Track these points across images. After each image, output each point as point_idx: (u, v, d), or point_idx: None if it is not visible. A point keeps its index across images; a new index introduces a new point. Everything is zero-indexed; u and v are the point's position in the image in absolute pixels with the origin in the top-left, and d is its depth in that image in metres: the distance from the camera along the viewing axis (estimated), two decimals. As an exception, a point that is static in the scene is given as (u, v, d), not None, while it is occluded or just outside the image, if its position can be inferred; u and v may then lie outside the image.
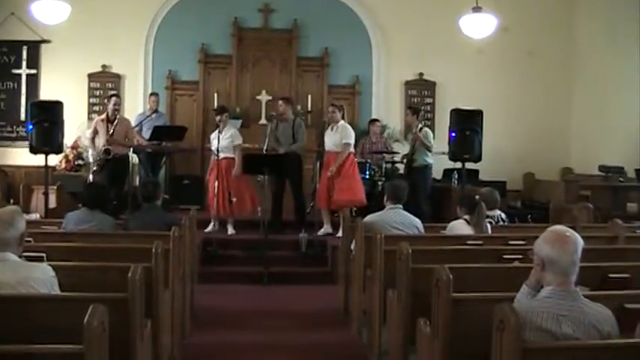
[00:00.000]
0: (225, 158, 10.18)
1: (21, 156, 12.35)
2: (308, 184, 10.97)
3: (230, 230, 10.32)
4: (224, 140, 10.20)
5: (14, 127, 13.53)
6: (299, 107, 13.52)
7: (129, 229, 6.72)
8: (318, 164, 10.43)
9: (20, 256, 4.01)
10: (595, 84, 13.53)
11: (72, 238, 5.99)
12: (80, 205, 6.93)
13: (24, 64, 13.56)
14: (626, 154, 12.07)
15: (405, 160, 11.30)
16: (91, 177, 10.41)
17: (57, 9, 11.40)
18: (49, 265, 4.11)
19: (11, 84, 13.59)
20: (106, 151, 10.22)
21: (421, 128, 10.92)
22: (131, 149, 10.70)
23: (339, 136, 10.10)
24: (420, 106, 12.50)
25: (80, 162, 12.68)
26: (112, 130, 10.31)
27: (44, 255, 4.85)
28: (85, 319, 2.90)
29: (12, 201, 11.36)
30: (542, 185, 13.36)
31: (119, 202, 10.10)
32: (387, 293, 5.48)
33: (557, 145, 14.17)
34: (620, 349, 3.13)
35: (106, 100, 11.50)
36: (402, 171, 11.89)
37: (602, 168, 11.74)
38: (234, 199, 10.10)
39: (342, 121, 10.27)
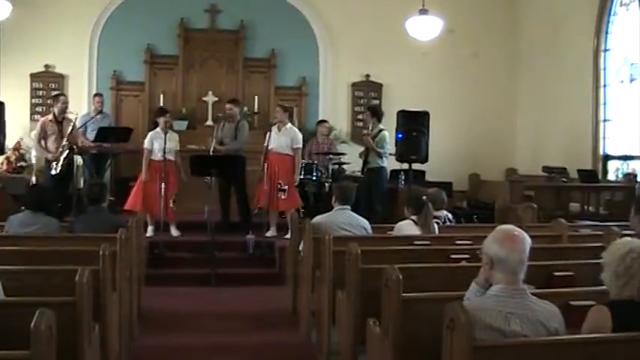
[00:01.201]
0: (169, 160, 10.05)
1: (-41, 158, 12.08)
2: (254, 186, 10.90)
3: (174, 232, 10.22)
4: (170, 142, 10.06)
5: (-48, 128, 13.21)
6: (245, 108, 13.48)
7: (74, 231, 6.61)
8: (264, 166, 10.37)
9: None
10: (538, 85, 13.80)
11: (15, 242, 5.86)
12: (23, 207, 6.78)
13: (-39, 62, 13.27)
14: (569, 155, 12.34)
15: (362, 160, 11.30)
16: (34, 179, 10.18)
17: (-3, 8, 11.17)
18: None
19: (-52, 83, 13.27)
20: (71, 149, 10.04)
21: (380, 131, 10.87)
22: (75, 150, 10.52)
23: (287, 139, 10.08)
24: (382, 109, 12.27)
25: (23, 163, 12.44)
26: (70, 129, 10.09)
27: (-14, 259, 4.75)
28: (32, 324, 2.84)
29: (-49, 204, 11.12)
30: (487, 186, 13.56)
31: (64, 204, 9.93)
32: (336, 294, 5.49)
33: (501, 146, 14.41)
34: (567, 345, 3.19)
35: (50, 100, 11.27)
36: (348, 172, 11.96)
37: (545, 169, 11.97)
38: (175, 202, 10.00)
39: (289, 124, 10.26)
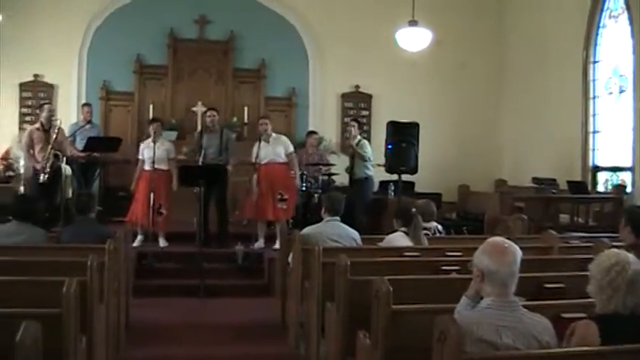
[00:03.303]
0: (159, 170, 10.03)
1: (-54, 167, 11.99)
2: (243, 197, 10.86)
3: (162, 243, 10.18)
4: (159, 151, 10.05)
5: (-60, 137, 13.14)
6: (235, 119, 13.47)
7: (62, 242, 6.56)
8: (254, 177, 10.32)
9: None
10: (526, 96, 13.83)
11: (1, 252, 5.81)
12: (10, 217, 6.72)
13: (-50, 72, 13.18)
14: (558, 166, 12.35)
15: (348, 172, 11.35)
16: (22, 189, 10.10)
17: (-14, 17, 11.12)
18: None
19: (-64, 93, 13.19)
20: (56, 156, 9.98)
21: (359, 140, 11.00)
22: (64, 160, 10.46)
23: (279, 147, 10.13)
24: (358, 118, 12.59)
25: (11, 173, 12.35)
26: (55, 137, 10.05)
27: (-28, 269, 4.70)
28: (18, 338, 2.81)
29: (-63, 214, 11.03)
30: (476, 197, 13.54)
31: (51, 214, 9.86)
32: (325, 305, 5.46)
33: (490, 157, 14.43)
34: (559, 358, 3.17)
35: (37, 110, 11.21)
36: (337, 183, 11.97)
37: (534, 180, 11.98)
38: (164, 212, 9.98)
39: (274, 134, 10.28)
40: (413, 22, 11.97)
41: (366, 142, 11.32)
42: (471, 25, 14.45)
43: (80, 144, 11.20)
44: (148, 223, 9.91)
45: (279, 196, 9.91)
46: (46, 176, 9.94)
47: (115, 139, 11.34)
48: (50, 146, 10.00)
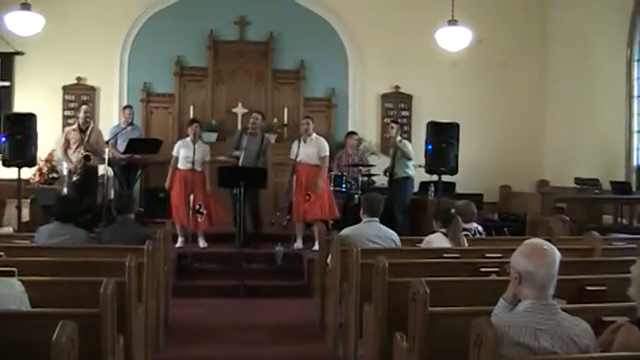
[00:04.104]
0: (195, 171, 10.07)
1: (-7, 169, 12.16)
2: (283, 197, 10.89)
3: (202, 243, 10.24)
4: (199, 153, 10.10)
5: (-13, 139, 13.37)
6: (275, 120, 13.49)
7: (102, 242, 6.63)
8: (293, 177, 10.37)
9: (-12, 272, 3.93)
10: (569, 96, 13.63)
11: (44, 253, 5.89)
12: (53, 218, 6.81)
13: (-3, 76, 13.43)
14: (601, 166, 12.16)
15: (388, 173, 11.30)
16: (65, 189, 10.25)
17: (31, 21, 11.24)
18: (20, 280, 4.04)
19: (-16, 96, 13.44)
20: (86, 157, 10.08)
21: (400, 140, 10.96)
22: (106, 161, 10.58)
23: (314, 149, 10.09)
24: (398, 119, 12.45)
25: (54, 175, 12.53)
26: (87, 138, 10.17)
27: (15, 270, 4.75)
28: (54, 337, 2.83)
29: (-16, 215, 11.25)
30: (518, 197, 13.38)
31: (93, 215, 9.99)
32: (363, 307, 5.44)
33: (532, 157, 14.24)
34: (598, 362, 3.11)
35: (72, 111, 11.35)
36: (377, 184, 11.94)
37: (577, 180, 11.82)
38: (204, 212, 10.03)
39: (314, 134, 10.27)
40: (452, 22, 11.86)
41: (406, 141, 11.27)
42: (513, 23, 14.28)
43: (121, 146, 11.30)
44: (189, 224, 9.97)
45: (307, 197, 9.93)
46: (78, 177, 10.04)
47: (156, 141, 11.43)
48: (82, 147, 10.11)
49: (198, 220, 10.05)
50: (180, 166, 10.17)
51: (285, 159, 10.85)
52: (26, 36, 11.80)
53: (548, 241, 3.43)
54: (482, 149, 13.54)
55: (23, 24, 11.35)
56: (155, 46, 13.54)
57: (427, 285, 3.87)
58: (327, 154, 10.23)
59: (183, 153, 10.15)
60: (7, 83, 13.42)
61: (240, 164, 10.03)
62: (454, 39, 12.14)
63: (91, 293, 3.85)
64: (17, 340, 3.41)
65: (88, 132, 10.24)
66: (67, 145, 10.33)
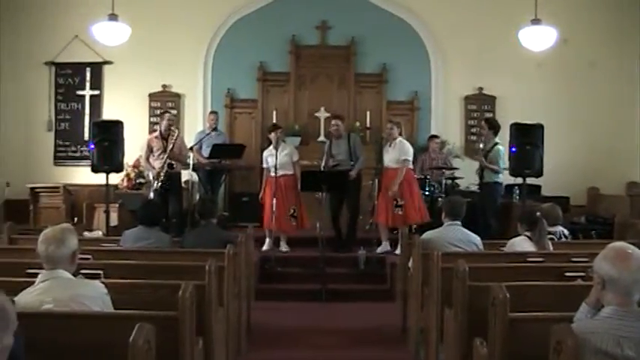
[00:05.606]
0: (283, 175, 10.18)
1: (84, 175, 12.45)
2: (366, 201, 10.85)
3: (284, 247, 10.31)
4: (282, 157, 10.19)
5: (78, 146, 13.80)
6: (357, 124, 13.48)
7: (184, 246, 6.74)
8: (377, 181, 10.34)
9: (76, 274, 4.03)
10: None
11: (129, 256, 6.02)
12: (138, 222, 6.97)
13: (87, 85, 13.83)
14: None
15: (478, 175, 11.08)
16: (151, 194, 10.46)
17: (118, 31, 11.58)
18: (103, 282, 4.13)
19: (76, 105, 13.87)
20: (170, 165, 10.27)
21: (494, 145, 10.61)
22: (190, 167, 10.75)
23: (397, 153, 10.03)
24: (498, 122, 11.81)
25: (141, 180, 12.80)
26: (171, 145, 10.36)
27: (101, 272, 4.88)
28: (131, 338, 2.89)
29: (76, 219, 11.58)
30: (606, 200, 13.01)
31: (179, 220, 10.17)
32: (444, 311, 5.37)
33: (621, 159, 13.78)
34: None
35: (158, 118, 11.58)
36: (462, 187, 11.79)
37: (669, 182, 11.42)
38: (297, 215, 10.11)
39: (399, 138, 10.18)
40: (536, 21, 11.61)
41: (501, 149, 10.55)
42: (600, 21, 13.87)
43: (206, 151, 11.50)
44: (277, 227, 10.07)
45: (394, 202, 9.86)
46: (159, 184, 10.22)
47: (239, 146, 11.57)
48: (166, 155, 10.29)
49: (292, 223, 10.13)
50: (270, 173, 10.30)
51: (366, 162, 10.80)
52: (114, 45, 12.16)
53: (638, 244, 3.30)
54: (569, 151, 13.19)
55: (111, 34, 11.70)
56: (238, 52, 13.70)
57: (509, 290, 3.79)
58: (408, 157, 10.09)
59: (270, 161, 10.26)
60: (96, 92, 13.82)
61: (322, 168, 10.03)
62: (538, 38, 11.88)
63: (172, 296, 3.91)
64: (98, 341, 3.48)
65: (171, 140, 10.41)
66: (149, 152, 10.54)
